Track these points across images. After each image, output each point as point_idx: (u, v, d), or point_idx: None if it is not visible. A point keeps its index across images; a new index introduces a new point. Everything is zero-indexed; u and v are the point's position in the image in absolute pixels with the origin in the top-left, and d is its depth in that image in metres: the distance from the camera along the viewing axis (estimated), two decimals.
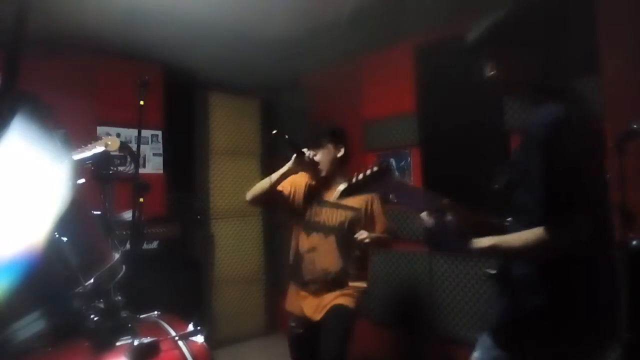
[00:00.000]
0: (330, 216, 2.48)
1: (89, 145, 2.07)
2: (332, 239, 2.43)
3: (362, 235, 2.33)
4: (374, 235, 2.41)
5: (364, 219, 2.48)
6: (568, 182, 1.14)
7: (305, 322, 2.46)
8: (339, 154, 2.52)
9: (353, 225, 2.43)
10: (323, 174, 2.49)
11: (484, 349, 1.34)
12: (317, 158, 2.46)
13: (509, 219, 1.33)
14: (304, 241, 2.51)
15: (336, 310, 2.37)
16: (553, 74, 1.31)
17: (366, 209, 2.49)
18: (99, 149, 2.00)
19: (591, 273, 1.19)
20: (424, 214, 1.38)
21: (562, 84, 1.29)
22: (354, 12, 3.26)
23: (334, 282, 2.42)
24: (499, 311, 1.32)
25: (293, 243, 2.63)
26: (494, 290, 1.37)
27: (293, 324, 2.59)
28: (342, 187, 1.36)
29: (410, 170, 3.41)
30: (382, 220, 2.52)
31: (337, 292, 2.41)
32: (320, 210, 2.50)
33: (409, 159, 3.42)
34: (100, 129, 3.64)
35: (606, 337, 1.19)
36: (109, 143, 2.07)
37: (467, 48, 1.39)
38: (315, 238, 2.48)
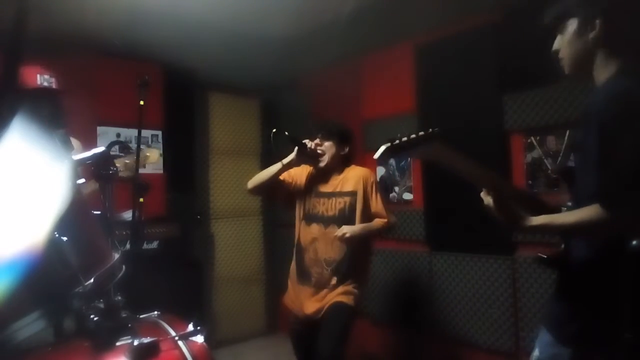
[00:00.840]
0: (329, 206, 2.54)
1: (127, 155, 2.19)
2: (333, 228, 2.46)
3: (341, 231, 2.36)
4: (357, 227, 2.42)
5: (362, 201, 2.51)
6: (629, 159, 1.09)
7: (305, 320, 2.48)
8: (342, 152, 2.62)
9: (353, 211, 2.50)
10: (323, 164, 2.57)
11: (543, 346, 1.29)
12: (322, 148, 2.57)
13: (569, 203, 1.30)
14: (305, 232, 2.57)
15: (335, 308, 2.38)
16: (618, 49, 1.27)
17: (364, 190, 2.53)
18: (129, 162, 2.12)
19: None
20: (483, 193, 1.33)
21: (628, 59, 1.25)
22: (354, 12, 3.27)
23: (336, 272, 2.43)
24: (559, 304, 1.28)
25: (295, 236, 2.67)
26: (555, 280, 1.33)
27: (293, 321, 2.60)
28: (384, 146, 1.23)
29: (410, 170, 3.41)
30: (377, 203, 2.54)
31: (338, 290, 2.41)
32: (319, 201, 2.57)
33: (409, 159, 3.42)
34: (100, 129, 3.64)
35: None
36: (148, 155, 2.18)
37: (541, 26, 1.40)
38: (316, 229, 2.53)
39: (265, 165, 4.66)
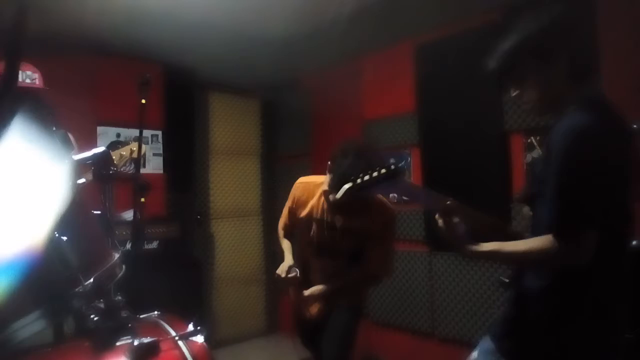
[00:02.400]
0: (342, 239, 2.23)
1: (117, 149, 2.12)
2: (341, 262, 2.27)
3: (308, 292, 2.21)
4: (325, 289, 2.21)
5: (373, 238, 2.21)
6: (584, 196, 1.09)
7: (311, 320, 2.38)
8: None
9: (361, 250, 2.24)
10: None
11: (483, 352, 1.32)
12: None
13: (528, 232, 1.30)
14: (315, 261, 2.35)
15: (341, 311, 2.28)
16: (581, 83, 1.25)
17: (380, 229, 2.21)
18: (125, 154, 2.06)
19: (603, 288, 1.16)
20: (437, 216, 1.34)
21: (589, 94, 1.24)
22: (354, 12, 3.26)
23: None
24: (507, 319, 1.30)
25: (300, 252, 2.43)
26: (505, 297, 1.35)
27: (298, 322, 2.52)
28: (346, 186, 1.25)
29: (410, 170, 3.41)
30: (388, 256, 2.27)
31: (343, 292, 2.28)
32: (331, 232, 2.25)
33: (409, 159, 3.42)
34: (100, 129, 3.64)
35: (612, 351, 1.17)
36: (134, 149, 2.12)
37: (491, 74, 1.35)
38: (325, 261, 2.31)
39: (265, 165, 4.70)
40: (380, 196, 2.26)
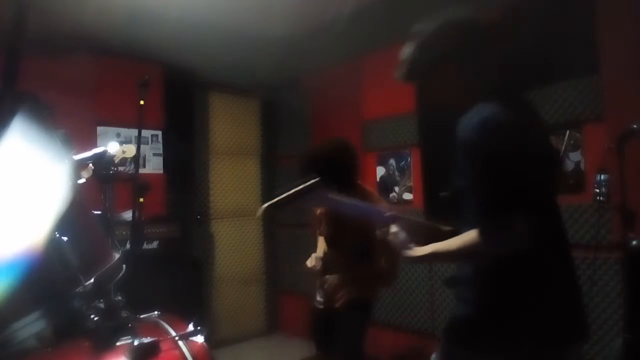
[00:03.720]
0: (344, 234, 2.32)
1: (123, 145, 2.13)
2: (347, 254, 2.32)
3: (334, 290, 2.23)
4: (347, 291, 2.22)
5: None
6: (501, 184, 1.11)
7: (324, 309, 2.42)
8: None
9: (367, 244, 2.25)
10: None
11: (440, 350, 1.33)
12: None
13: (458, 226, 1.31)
14: (328, 253, 2.44)
15: (351, 310, 2.27)
16: (482, 79, 1.29)
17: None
18: (113, 153, 2.07)
19: (535, 273, 1.17)
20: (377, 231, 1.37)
21: (494, 87, 1.27)
22: (354, 12, 3.26)
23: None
24: (452, 312, 1.32)
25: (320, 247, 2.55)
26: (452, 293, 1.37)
27: (314, 305, 2.53)
28: (265, 205, 1.29)
29: (410, 170, 3.41)
30: (386, 249, 2.26)
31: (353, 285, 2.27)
32: (339, 225, 2.35)
33: (409, 159, 3.42)
34: (100, 129, 3.64)
35: (558, 336, 1.16)
36: (125, 151, 2.14)
37: (399, 80, 1.40)
38: (334, 252, 2.39)
39: (265, 165, 4.70)
40: (372, 193, 2.39)
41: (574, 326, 1.21)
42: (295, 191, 1.26)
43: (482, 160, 1.13)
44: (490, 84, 1.27)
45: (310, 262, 2.39)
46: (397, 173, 3.50)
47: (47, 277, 1.14)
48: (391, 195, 3.51)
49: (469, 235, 1.15)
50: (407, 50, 1.35)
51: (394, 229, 1.31)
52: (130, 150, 2.19)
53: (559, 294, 1.19)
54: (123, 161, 2.22)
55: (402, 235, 1.29)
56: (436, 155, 3.23)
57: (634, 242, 2.02)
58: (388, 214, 1.34)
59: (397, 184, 3.49)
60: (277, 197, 1.27)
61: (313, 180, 1.26)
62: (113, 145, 2.15)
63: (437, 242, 1.25)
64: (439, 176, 3.16)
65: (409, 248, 1.28)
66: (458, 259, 1.26)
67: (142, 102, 2.28)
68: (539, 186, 1.18)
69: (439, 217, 1.47)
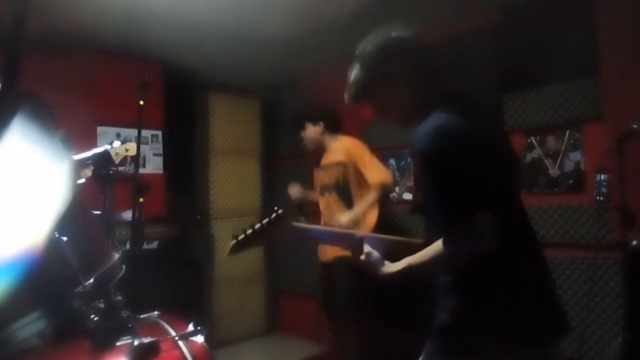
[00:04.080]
0: (326, 177, 2.97)
1: (112, 149, 2.15)
2: (334, 195, 2.88)
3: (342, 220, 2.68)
4: (353, 214, 2.72)
5: (353, 172, 2.83)
6: (451, 189, 1.13)
7: (323, 266, 3.04)
8: (320, 129, 3.03)
9: (347, 181, 2.85)
10: (311, 148, 3.10)
11: (425, 355, 1.34)
12: (302, 136, 3.08)
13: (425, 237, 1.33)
14: (320, 202, 3.03)
15: (339, 262, 2.76)
16: (428, 90, 1.31)
17: (351, 161, 2.85)
18: (119, 152, 2.09)
19: (503, 274, 1.18)
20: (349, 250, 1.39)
21: (440, 97, 1.29)
22: (354, 12, 3.26)
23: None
24: (433, 319, 1.34)
25: None
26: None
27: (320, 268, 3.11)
28: (231, 243, 1.30)
29: (410, 170, 3.41)
30: (371, 171, 2.80)
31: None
32: (318, 174, 3.07)
33: (409, 159, 3.42)
34: (100, 129, 3.64)
35: (535, 334, 1.17)
36: (129, 149, 2.16)
37: (349, 104, 1.46)
38: (325, 198, 2.97)
39: (265, 165, 4.70)
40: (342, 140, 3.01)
41: (549, 322, 1.21)
42: (261, 226, 1.27)
43: (436, 167, 1.16)
44: (436, 96, 1.29)
45: (292, 190, 3.04)
46: (397, 173, 3.50)
47: (47, 277, 1.14)
48: (391, 195, 3.51)
49: (438, 244, 1.17)
50: (352, 72, 1.40)
51: (367, 249, 1.33)
52: (133, 147, 2.21)
53: (530, 292, 1.20)
54: (123, 161, 2.22)
55: (375, 255, 1.32)
56: None
57: (634, 242, 2.02)
58: (357, 235, 1.37)
59: (397, 184, 3.49)
60: (244, 234, 1.28)
61: (277, 213, 1.27)
62: (116, 144, 2.18)
63: (410, 255, 1.27)
64: None
65: (384, 265, 1.31)
66: (432, 269, 1.27)
67: (142, 102, 2.28)
68: (496, 188, 1.19)
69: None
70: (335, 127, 3.06)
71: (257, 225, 1.27)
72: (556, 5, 2.61)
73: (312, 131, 3.05)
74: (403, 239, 1.43)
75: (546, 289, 1.26)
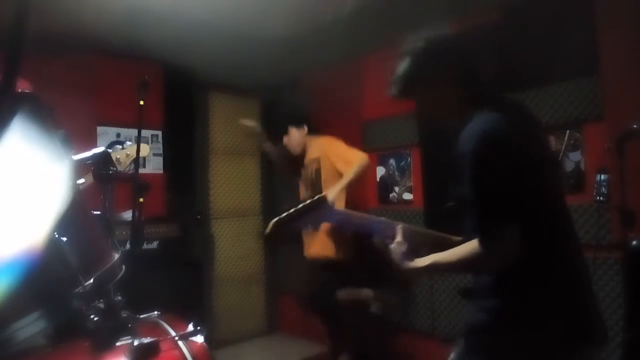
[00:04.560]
0: (306, 174, 3.18)
1: (123, 150, 2.17)
2: (310, 192, 3.07)
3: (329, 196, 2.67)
4: (334, 190, 2.78)
5: (326, 164, 2.99)
6: (494, 194, 1.13)
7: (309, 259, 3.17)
8: (304, 132, 3.20)
9: (318, 175, 3.06)
10: (296, 152, 3.23)
11: (457, 353, 1.34)
12: (285, 142, 3.23)
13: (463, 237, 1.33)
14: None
15: (322, 261, 2.97)
16: (475, 90, 1.32)
17: (325, 156, 3.01)
18: (130, 153, 2.11)
19: (548, 277, 1.18)
20: (388, 244, 1.38)
21: (487, 97, 1.30)
22: (354, 12, 3.26)
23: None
24: (471, 319, 1.33)
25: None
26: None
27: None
28: (273, 221, 1.30)
29: (410, 170, 3.41)
30: (348, 155, 2.95)
31: (322, 240, 2.94)
32: (304, 171, 3.23)
33: (409, 159, 3.42)
34: (100, 129, 3.64)
35: (569, 340, 1.17)
36: (140, 149, 2.17)
37: (393, 98, 1.45)
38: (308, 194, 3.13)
39: (265, 165, 4.70)
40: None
41: (586, 329, 1.21)
42: (303, 206, 1.26)
43: (480, 171, 1.16)
44: (482, 95, 1.30)
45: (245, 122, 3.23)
46: (397, 173, 3.50)
47: (47, 277, 1.14)
48: (391, 195, 3.51)
49: (470, 245, 1.17)
50: (400, 67, 1.39)
51: (398, 238, 1.33)
52: (144, 148, 2.26)
53: (570, 297, 1.20)
54: (132, 160, 2.23)
55: (404, 247, 1.31)
56: (436, 155, 3.23)
57: (634, 242, 2.02)
58: (398, 226, 1.36)
59: (397, 184, 3.49)
60: (285, 213, 1.27)
61: (319, 196, 1.26)
62: (128, 144, 2.21)
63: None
64: (439, 176, 3.16)
65: (410, 259, 1.29)
66: (458, 270, 1.29)
67: (142, 102, 2.28)
68: (540, 192, 1.19)
69: (440, 225, 1.50)
70: (315, 128, 3.26)
71: (298, 207, 1.26)
72: (556, 5, 2.61)
73: (296, 135, 3.21)
74: (443, 235, 1.41)
75: (586, 295, 1.25)
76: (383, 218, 1.43)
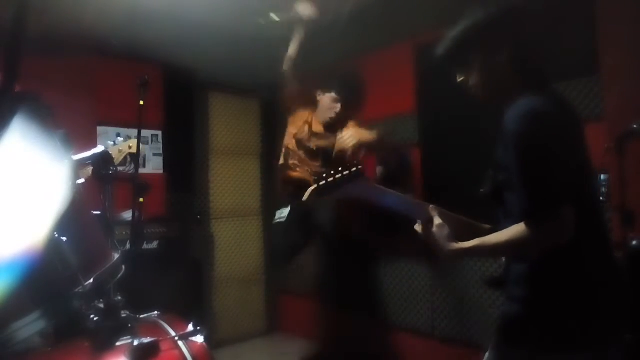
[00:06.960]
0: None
1: (115, 146, 2.15)
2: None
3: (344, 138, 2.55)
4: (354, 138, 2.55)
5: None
6: (546, 175, 1.12)
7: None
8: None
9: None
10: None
11: (492, 349, 1.32)
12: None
13: (500, 223, 1.30)
14: None
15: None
16: (525, 71, 1.30)
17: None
18: (122, 149, 2.09)
19: (582, 268, 1.16)
20: (416, 225, 1.34)
21: (536, 80, 1.28)
22: (354, 12, 3.26)
23: None
24: (502, 311, 1.31)
25: None
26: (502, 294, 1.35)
27: None
28: (311, 188, 1.25)
29: (410, 170, 3.41)
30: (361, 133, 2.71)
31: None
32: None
33: (409, 158, 3.42)
34: (100, 129, 3.64)
35: (604, 333, 1.16)
36: (132, 146, 2.16)
37: (438, 59, 1.40)
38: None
39: (265, 165, 4.70)
40: None
41: (620, 324, 1.20)
42: (341, 176, 1.19)
43: (529, 151, 1.14)
44: (530, 79, 1.28)
45: None
46: (397, 173, 3.50)
47: (47, 277, 1.14)
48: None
49: (517, 228, 1.14)
50: (455, 29, 1.34)
51: (438, 221, 1.28)
52: (134, 143, 2.22)
53: (605, 290, 1.18)
54: (123, 161, 2.22)
55: (447, 230, 1.26)
56: (436, 155, 3.23)
57: (634, 242, 2.02)
58: (431, 207, 1.32)
59: (397, 184, 3.49)
60: (322, 181, 1.21)
61: (356, 167, 1.20)
62: (119, 140, 2.19)
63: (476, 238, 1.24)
64: (439, 176, 3.16)
65: (453, 241, 1.25)
66: (503, 253, 1.25)
67: (142, 102, 2.28)
68: (585, 178, 1.19)
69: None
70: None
71: (337, 176, 1.19)
72: (556, 5, 2.61)
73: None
74: (472, 221, 1.36)
75: (620, 289, 1.23)
76: (416, 199, 1.38)
